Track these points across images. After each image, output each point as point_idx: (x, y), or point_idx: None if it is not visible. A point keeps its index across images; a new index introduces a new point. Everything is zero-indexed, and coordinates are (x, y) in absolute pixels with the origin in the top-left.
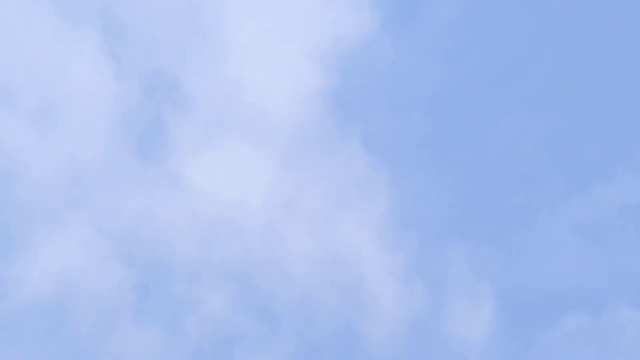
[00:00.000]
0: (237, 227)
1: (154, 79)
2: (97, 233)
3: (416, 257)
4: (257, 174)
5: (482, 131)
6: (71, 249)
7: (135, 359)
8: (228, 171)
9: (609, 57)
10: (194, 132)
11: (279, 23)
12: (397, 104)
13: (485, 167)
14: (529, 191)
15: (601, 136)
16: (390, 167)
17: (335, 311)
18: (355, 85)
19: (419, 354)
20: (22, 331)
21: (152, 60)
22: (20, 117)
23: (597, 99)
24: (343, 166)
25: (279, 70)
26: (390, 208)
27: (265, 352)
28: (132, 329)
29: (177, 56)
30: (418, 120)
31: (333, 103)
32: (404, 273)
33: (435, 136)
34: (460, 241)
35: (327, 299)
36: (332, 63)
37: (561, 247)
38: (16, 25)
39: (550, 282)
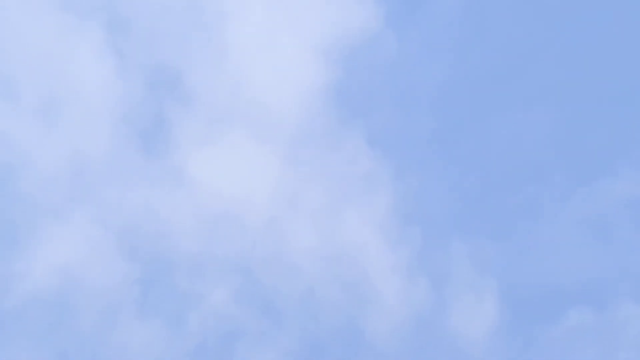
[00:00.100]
0: (240, 222)
1: (158, 73)
2: (101, 227)
3: (420, 252)
4: (260, 169)
5: (486, 126)
6: (74, 243)
7: (138, 353)
8: (231, 166)
9: (613, 52)
10: (197, 127)
11: (282, 18)
12: (401, 99)
13: (489, 162)
14: (533, 186)
15: (605, 131)
16: (394, 162)
17: (339, 306)
18: (359, 80)
19: (422, 349)
20: (25, 325)
21: (156, 55)
22: (24, 111)
23: (601, 94)
24: (347, 161)
25: (283, 66)
26: (394, 203)
27: (268, 347)
28: (135, 323)
29: (181, 51)
30: (422, 115)
31: (337, 98)
32: (408, 268)
33: (439, 131)
34: (463, 236)
35: (331, 294)
36: (336, 58)
37: (564, 242)
38: (20, 19)
39: (553, 277)
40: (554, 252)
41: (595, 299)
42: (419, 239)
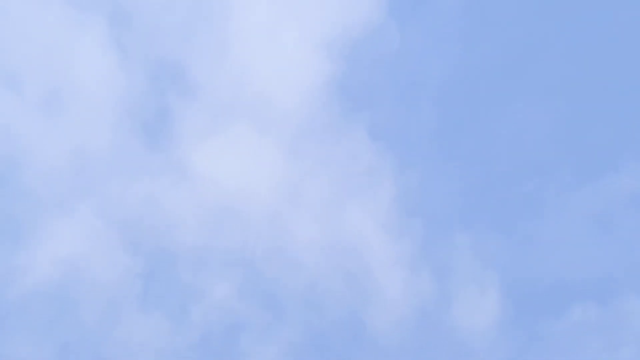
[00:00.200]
0: (243, 215)
1: (160, 66)
2: (104, 221)
3: (422, 245)
4: (263, 162)
5: (490, 119)
6: (77, 237)
7: (141, 346)
8: (234, 159)
9: (619, 47)
10: (200, 120)
11: (285, 11)
12: (403, 92)
13: (492, 156)
14: (537, 180)
15: (610, 125)
16: (397, 155)
17: (341, 299)
18: (361, 73)
19: (425, 341)
20: (28, 318)
21: (158, 48)
22: (27, 105)
23: (606, 89)
24: (349, 154)
25: (285, 59)
26: (397, 197)
27: (270, 340)
28: (138, 316)
29: (183, 44)
30: (424, 108)
31: (340, 92)
32: (410, 261)
33: (442, 124)
34: (466, 229)
35: (333, 287)
36: (339, 51)
37: (568, 236)
38: (23, 13)
39: (557, 271)
40: (557, 246)
41: (599, 294)
42: (422, 232)
